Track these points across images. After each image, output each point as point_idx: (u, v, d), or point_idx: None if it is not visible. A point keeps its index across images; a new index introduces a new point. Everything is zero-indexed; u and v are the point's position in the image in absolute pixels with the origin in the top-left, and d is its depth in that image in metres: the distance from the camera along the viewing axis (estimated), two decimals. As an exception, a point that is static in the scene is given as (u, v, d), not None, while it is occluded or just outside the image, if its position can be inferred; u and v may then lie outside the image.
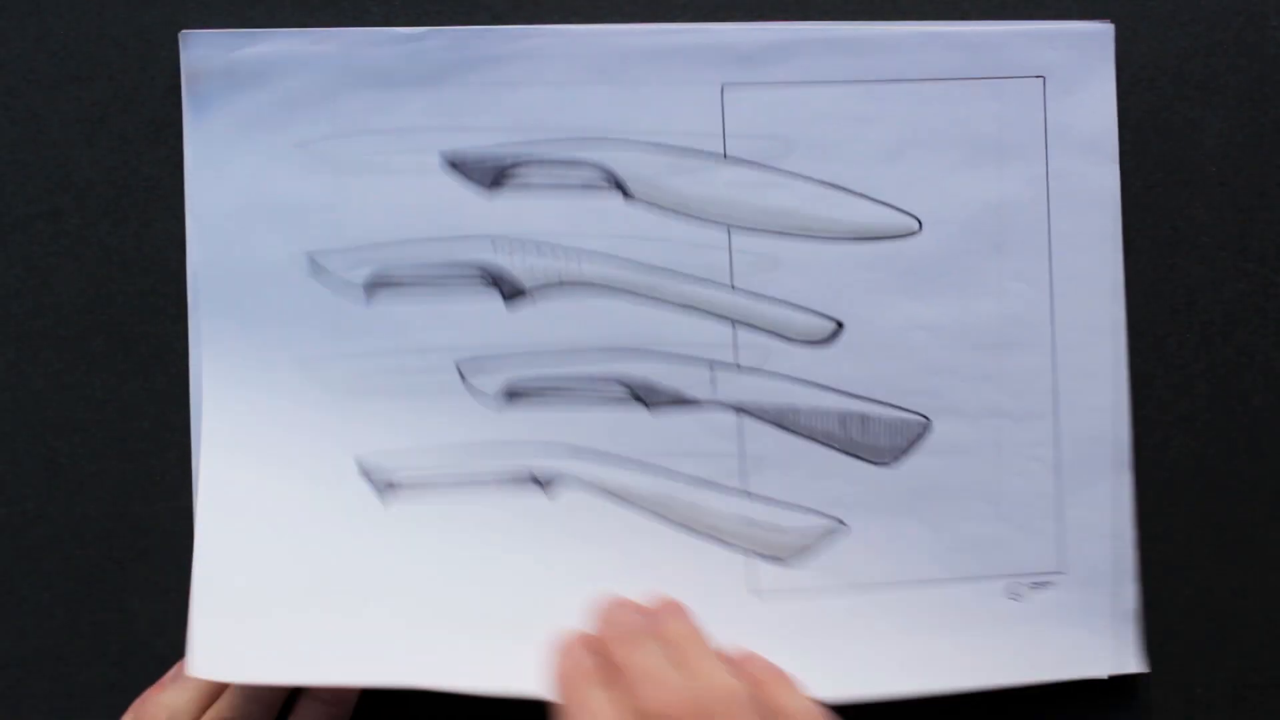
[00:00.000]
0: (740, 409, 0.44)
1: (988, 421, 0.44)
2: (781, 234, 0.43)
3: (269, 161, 0.43)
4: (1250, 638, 0.45)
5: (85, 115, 0.44)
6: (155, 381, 0.44)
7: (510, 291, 0.43)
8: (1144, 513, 0.45)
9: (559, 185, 0.43)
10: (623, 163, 0.43)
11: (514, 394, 0.43)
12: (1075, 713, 0.45)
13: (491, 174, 0.43)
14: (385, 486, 0.43)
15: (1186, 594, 0.45)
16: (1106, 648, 0.44)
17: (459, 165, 0.43)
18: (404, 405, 0.43)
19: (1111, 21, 0.43)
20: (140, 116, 0.44)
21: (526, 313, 0.44)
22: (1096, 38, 0.43)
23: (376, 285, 0.44)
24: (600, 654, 0.40)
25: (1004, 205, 0.43)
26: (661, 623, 0.42)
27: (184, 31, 0.43)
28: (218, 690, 0.42)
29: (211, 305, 0.43)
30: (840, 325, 0.43)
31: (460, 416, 0.43)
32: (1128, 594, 0.44)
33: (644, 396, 0.43)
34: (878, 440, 0.44)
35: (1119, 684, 0.45)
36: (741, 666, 0.41)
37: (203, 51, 0.43)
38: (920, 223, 0.43)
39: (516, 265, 0.44)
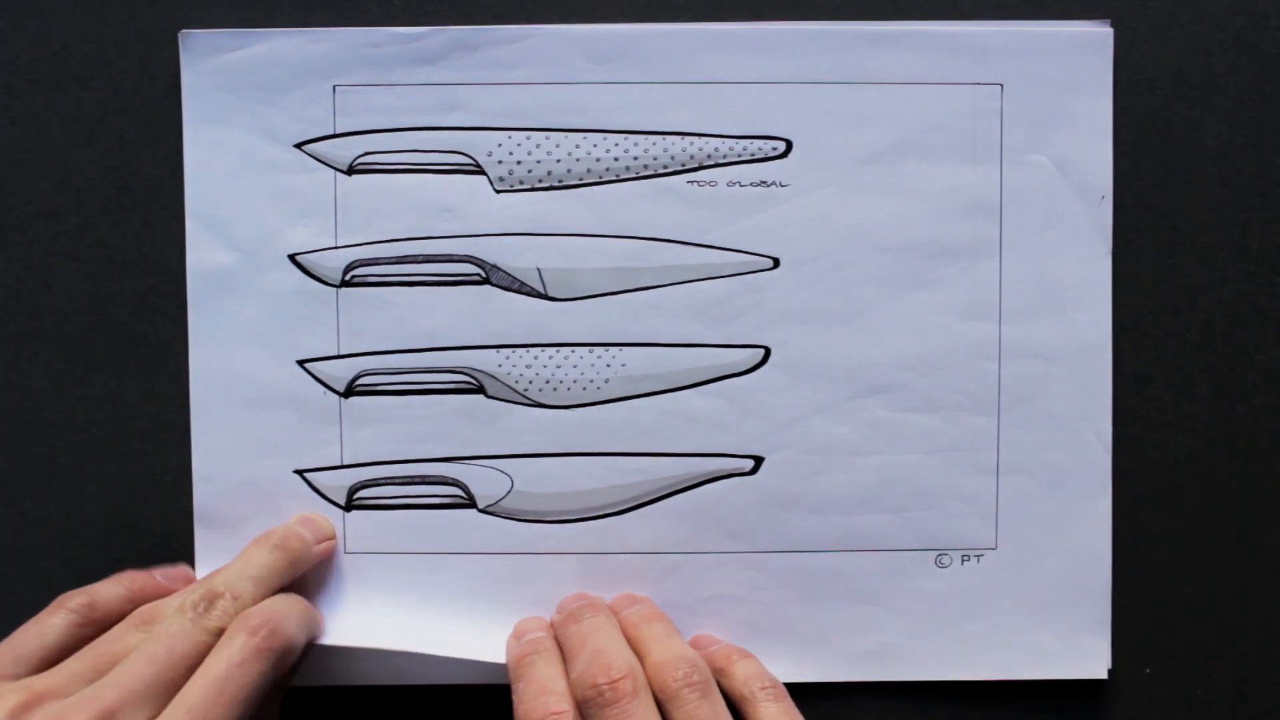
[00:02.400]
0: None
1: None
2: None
3: (269, 161, 0.43)
4: (1250, 638, 0.45)
5: (85, 115, 0.44)
6: (155, 381, 0.44)
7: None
8: (1144, 513, 0.45)
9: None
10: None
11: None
12: (1074, 711, 0.45)
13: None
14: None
15: (1186, 594, 0.45)
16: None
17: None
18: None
19: (1111, 21, 0.44)
20: (140, 116, 0.44)
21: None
22: (1095, 38, 0.43)
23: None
24: (553, 633, 0.41)
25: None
26: (618, 605, 0.42)
27: (184, 31, 0.43)
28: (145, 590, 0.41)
29: (210, 304, 0.43)
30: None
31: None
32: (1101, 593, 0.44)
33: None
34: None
35: (1119, 683, 0.45)
36: (701, 644, 0.42)
37: (203, 51, 0.43)
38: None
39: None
